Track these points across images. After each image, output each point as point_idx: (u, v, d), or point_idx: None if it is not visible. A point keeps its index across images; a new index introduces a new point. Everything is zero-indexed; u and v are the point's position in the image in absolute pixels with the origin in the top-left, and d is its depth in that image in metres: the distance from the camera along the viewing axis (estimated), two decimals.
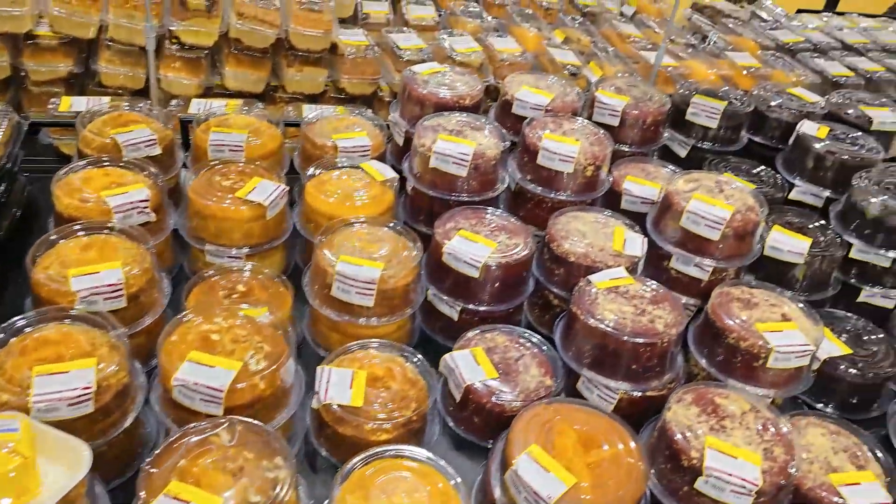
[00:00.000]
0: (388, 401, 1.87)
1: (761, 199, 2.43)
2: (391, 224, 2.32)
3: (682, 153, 3.14)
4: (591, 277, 2.19)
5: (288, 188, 2.41)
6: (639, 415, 2.07)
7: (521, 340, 2.17)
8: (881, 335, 2.44)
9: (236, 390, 1.68)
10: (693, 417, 1.82)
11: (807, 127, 2.96)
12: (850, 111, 3.23)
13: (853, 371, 2.28)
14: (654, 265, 2.48)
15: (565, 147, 2.50)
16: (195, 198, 2.29)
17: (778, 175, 2.99)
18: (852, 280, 2.68)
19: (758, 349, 2.06)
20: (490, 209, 2.44)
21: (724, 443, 1.73)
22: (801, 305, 2.23)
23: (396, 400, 1.87)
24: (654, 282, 2.21)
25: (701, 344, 2.21)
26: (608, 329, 2.01)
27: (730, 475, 1.65)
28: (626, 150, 2.96)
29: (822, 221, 2.71)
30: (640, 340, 1.99)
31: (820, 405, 2.34)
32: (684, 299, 2.40)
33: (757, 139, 3.18)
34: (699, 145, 3.11)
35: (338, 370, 1.91)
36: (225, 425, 1.59)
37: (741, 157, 3.16)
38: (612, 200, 2.73)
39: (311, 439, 1.93)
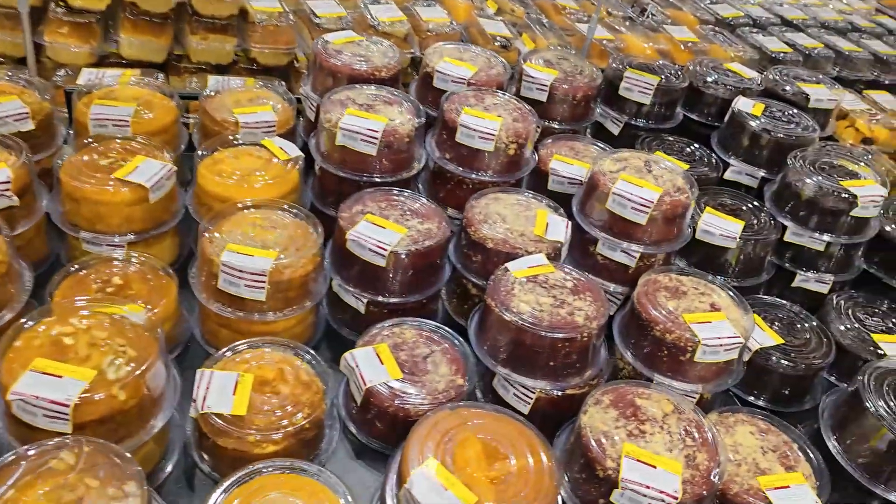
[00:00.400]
0: (277, 408, 1.66)
1: (691, 179, 2.28)
2: (289, 208, 2.09)
3: (615, 130, 2.98)
4: (509, 265, 2.01)
5: (175, 168, 2.16)
6: (559, 415, 1.91)
7: (433, 335, 1.98)
8: (814, 323, 2.32)
9: (89, 403, 1.45)
10: (610, 422, 1.66)
11: (742, 104, 2.83)
12: (787, 88, 3.11)
13: (785, 362, 2.16)
14: (581, 251, 2.31)
15: (486, 123, 2.31)
16: (65, 179, 2.03)
17: (713, 154, 2.86)
18: (787, 264, 2.57)
19: (685, 342, 1.91)
20: (403, 191, 2.23)
21: (642, 450, 1.58)
22: (731, 294, 2.09)
23: (287, 406, 1.67)
24: (576, 270, 2.04)
25: (626, 336, 2.06)
26: (523, 323, 1.83)
27: (647, 488, 1.50)
28: (556, 127, 2.78)
29: (757, 203, 2.59)
30: (558, 335, 1.82)
31: (752, 398, 2.22)
32: (612, 287, 2.25)
33: (693, 116, 3.04)
34: (633, 122, 2.95)
35: (220, 374, 1.69)
36: (68, 446, 1.36)
37: (677, 135, 3.03)
38: (539, 181, 2.56)
39: (192, 452, 1.71)
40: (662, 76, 2.92)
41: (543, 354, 1.86)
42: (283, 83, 2.94)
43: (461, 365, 1.91)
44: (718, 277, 2.36)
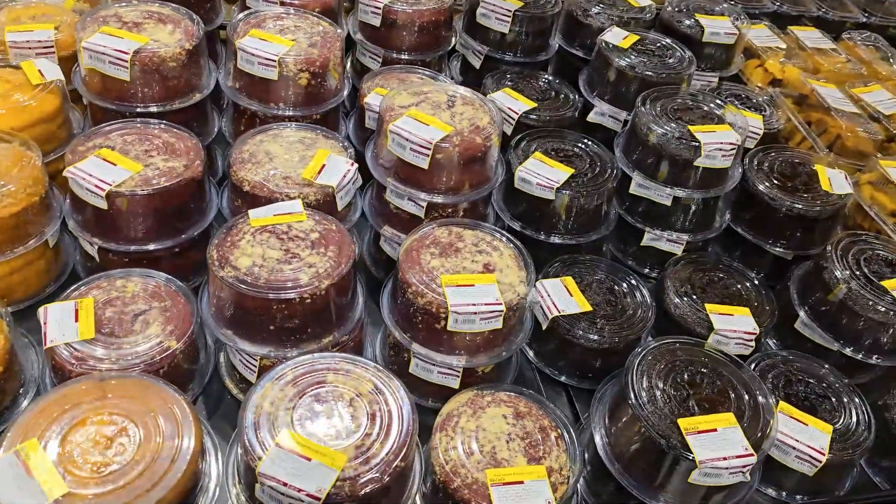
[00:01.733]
0: None
1: (499, 118, 1.95)
2: (10, 138, 1.83)
3: (476, 63, 2.64)
4: (251, 212, 1.73)
5: None
6: None
7: (162, 290, 1.72)
8: (643, 288, 2.02)
9: None
10: (283, 401, 1.39)
11: (610, 35, 2.46)
12: (683, 20, 2.72)
13: (590, 335, 1.87)
14: (378, 199, 2.02)
15: (266, 47, 2.00)
16: None
17: (579, 93, 2.51)
18: (636, 221, 2.25)
19: (436, 308, 1.63)
20: (161, 123, 1.94)
21: (299, 436, 1.31)
22: (516, 251, 1.79)
23: None
24: (329, 219, 1.75)
25: (391, 298, 1.79)
26: (233, 281, 1.56)
27: (286, 485, 1.24)
28: (404, 57, 2.46)
29: (604, 150, 2.25)
30: (271, 296, 1.55)
31: (554, 372, 1.95)
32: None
33: (570, 50, 2.68)
34: (496, 55, 2.60)
35: None
36: None
37: (553, 72, 2.68)
38: (361, 119, 2.26)
39: None
40: (527, 1, 2.55)
41: (264, 317, 1.59)
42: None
43: (182, 326, 1.65)
44: (551, 234, 2.08)
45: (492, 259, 1.75)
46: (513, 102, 2.32)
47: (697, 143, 2.06)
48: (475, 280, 1.68)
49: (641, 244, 2.26)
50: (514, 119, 2.29)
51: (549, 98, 2.45)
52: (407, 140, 1.82)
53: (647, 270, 2.31)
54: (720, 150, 2.05)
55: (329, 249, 1.67)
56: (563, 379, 1.94)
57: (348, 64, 2.63)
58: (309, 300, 1.58)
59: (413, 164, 1.85)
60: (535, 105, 2.35)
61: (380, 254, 2.13)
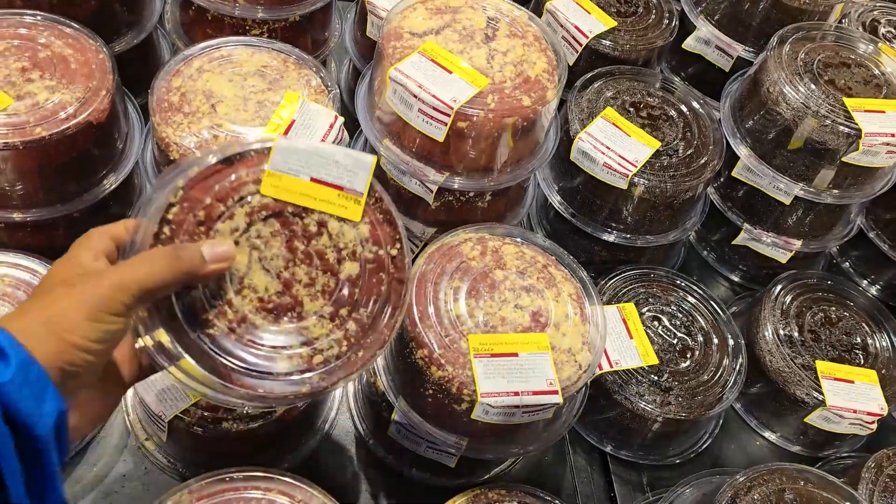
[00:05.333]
0: None
1: (562, 58, 1.28)
2: None
3: None
4: None
5: None
6: None
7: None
8: (732, 324, 1.43)
9: None
10: None
11: None
12: None
13: (647, 401, 1.31)
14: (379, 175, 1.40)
15: None
16: None
17: (675, 5, 1.77)
18: (730, 210, 1.61)
19: (457, 388, 1.07)
20: (59, 22, 1.28)
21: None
22: (578, 283, 1.19)
23: None
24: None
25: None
26: None
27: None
28: None
29: (704, 107, 1.56)
30: None
31: (587, 434, 1.42)
32: (423, 232, 1.37)
33: None
34: None
35: None
36: None
37: None
38: (363, 20, 1.57)
39: None
40: None
41: None
42: None
43: None
44: (610, 230, 1.48)
45: (544, 303, 1.15)
46: (581, 18, 1.61)
47: (854, 130, 1.38)
48: (520, 345, 1.09)
49: (733, 242, 1.64)
50: (579, 47, 1.60)
51: (635, 13, 1.72)
52: (416, 98, 1.17)
53: (733, 275, 1.71)
54: (888, 145, 1.36)
55: None
56: (602, 446, 1.40)
57: None
58: None
59: (423, 132, 1.21)
60: (615, 24, 1.64)
61: None
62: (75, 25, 1.29)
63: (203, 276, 0.76)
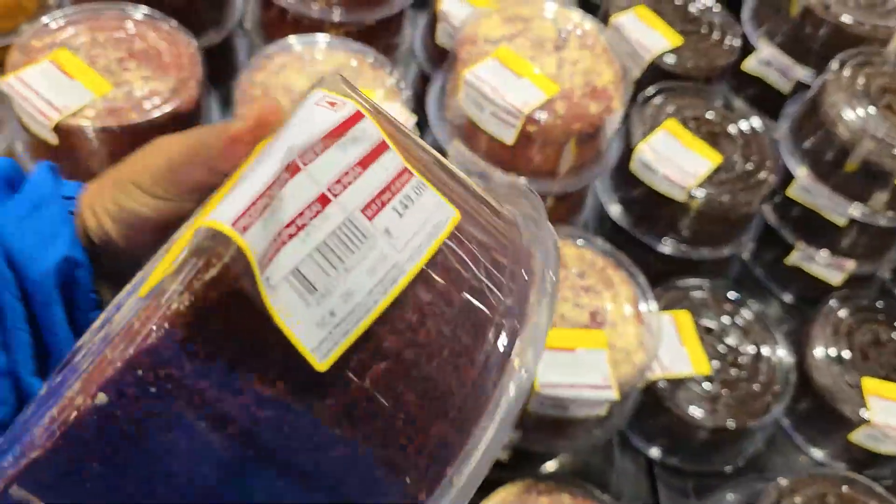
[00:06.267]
0: None
1: (628, 71, 1.33)
2: None
3: None
4: None
5: None
6: None
7: None
8: (787, 344, 1.46)
9: None
10: None
11: None
12: None
13: (695, 408, 1.34)
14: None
15: None
16: None
17: (739, 27, 1.81)
18: (785, 228, 1.64)
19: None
20: (154, 15, 1.37)
21: None
22: (636, 287, 1.24)
23: None
24: None
25: None
26: None
27: None
28: None
29: (765, 126, 1.59)
30: None
31: (635, 438, 1.44)
32: None
33: None
34: None
35: None
36: None
37: None
38: (433, 27, 1.64)
39: None
40: None
41: None
42: None
43: None
44: (666, 242, 1.51)
45: (602, 304, 1.19)
46: (648, 35, 1.65)
47: None
48: (578, 341, 1.14)
49: (786, 261, 1.66)
50: (643, 62, 1.64)
51: (700, 32, 1.75)
52: (488, 100, 1.22)
53: (785, 294, 1.72)
54: None
55: None
56: (648, 451, 1.43)
57: None
58: None
59: (492, 136, 1.27)
60: (681, 42, 1.68)
61: None
62: (171, 21, 1.37)
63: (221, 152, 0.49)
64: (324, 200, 0.34)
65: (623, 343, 1.15)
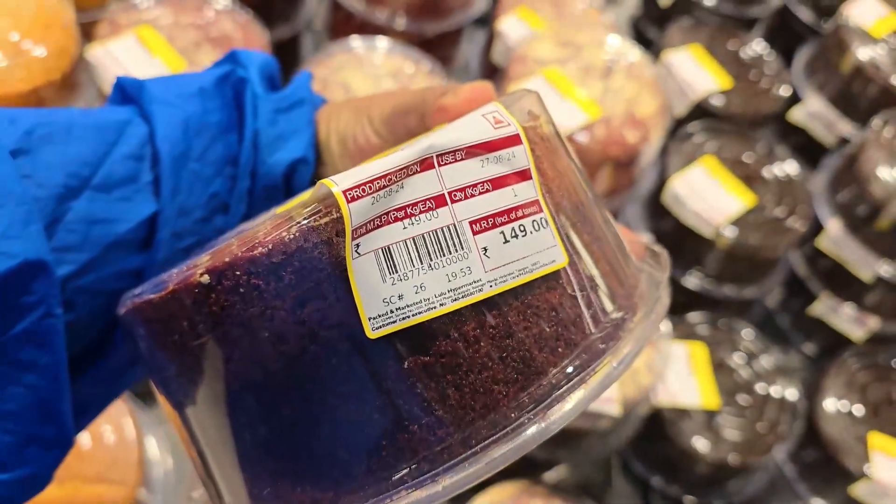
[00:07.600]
0: None
1: (672, 107, 1.38)
2: None
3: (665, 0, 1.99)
4: None
5: None
6: None
7: None
8: (796, 385, 1.47)
9: None
10: None
11: (859, 8, 1.75)
12: None
13: (699, 441, 1.37)
14: None
15: None
16: None
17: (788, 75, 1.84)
18: (808, 281, 1.65)
19: None
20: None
21: None
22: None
23: None
24: None
25: None
26: None
27: None
28: None
29: (801, 175, 1.62)
30: None
31: (636, 464, 1.47)
32: None
33: (792, 10, 1.97)
34: None
35: None
36: None
37: (772, 36, 1.99)
38: (490, 44, 1.71)
39: None
40: None
41: None
42: None
43: None
44: (691, 274, 1.55)
45: None
46: (698, 74, 1.70)
47: None
48: None
49: (808, 311, 1.68)
50: (690, 100, 1.68)
51: (750, 78, 1.79)
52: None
53: (804, 345, 1.74)
54: None
55: None
56: (648, 479, 1.46)
57: None
58: None
59: None
60: (731, 85, 1.72)
61: None
62: (248, 13, 1.47)
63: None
64: (440, 201, 0.36)
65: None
